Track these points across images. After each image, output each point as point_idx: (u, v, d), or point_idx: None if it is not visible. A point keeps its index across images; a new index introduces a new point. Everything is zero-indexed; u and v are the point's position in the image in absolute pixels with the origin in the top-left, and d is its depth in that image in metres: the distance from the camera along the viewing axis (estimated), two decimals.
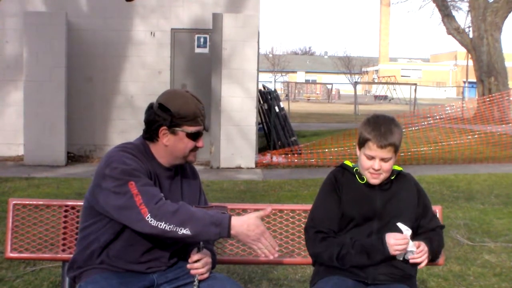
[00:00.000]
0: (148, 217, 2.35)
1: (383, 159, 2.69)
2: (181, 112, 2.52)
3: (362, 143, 2.72)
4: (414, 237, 2.74)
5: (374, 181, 2.73)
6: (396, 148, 2.70)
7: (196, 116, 2.54)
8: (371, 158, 2.70)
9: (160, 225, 2.34)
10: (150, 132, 2.58)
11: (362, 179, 2.77)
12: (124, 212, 2.39)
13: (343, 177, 2.81)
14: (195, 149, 2.60)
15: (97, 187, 2.49)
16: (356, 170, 2.79)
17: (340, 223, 2.75)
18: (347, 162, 2.86)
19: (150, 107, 2.59)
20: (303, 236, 3.16)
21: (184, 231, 2.34)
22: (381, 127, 2.68)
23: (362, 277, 2.68)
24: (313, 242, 2.75)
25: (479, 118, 14.51)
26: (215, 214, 2.40)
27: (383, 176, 2.73)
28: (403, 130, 12.12)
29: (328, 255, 2.69)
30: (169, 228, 2.34)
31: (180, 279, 2.62)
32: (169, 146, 2.56)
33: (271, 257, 2.44)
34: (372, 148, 2.68)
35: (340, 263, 2.67)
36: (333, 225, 2.74)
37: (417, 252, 2.67)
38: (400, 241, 2.62)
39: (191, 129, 2.54)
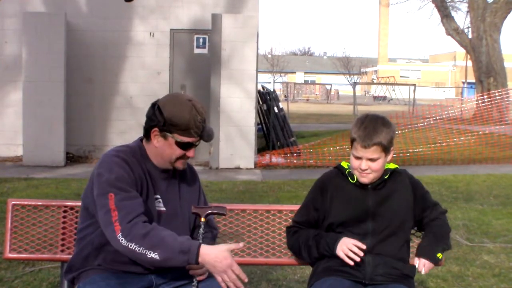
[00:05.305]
0: (119, 236, 2.37)
1: (370, 159, 2.67)
2: (173, 119, 2.50)
3: (351, 143, 2.73)
4: (420, 231, 2.85)
5: (364, 179, 2.72)
6: (384, 148, 2.67)
7: (188, 127, 2.50)
8: (358, 158, 2.69)
9: (131, 245, 2.36)
10: (146, 130, 2.59)
11: (354, 179, 2.76)
12: (104, 226, 2.43)
13: (335, 179, 2.81)
14: (184, 157, 2.58)
15: (90, 189, 2.52)
16: (349, 171, 2.79)
17: (332, 225, 2.75)
18: (343, 163, 2.85)
19: (153, 104, 2.59)
20: None
21: (153, 255, 2.34)
22: (366, 127, 2.66)
23: (359, 278, 2.67)
24: (288, 236, 2.89)
25: (479, 119, 14.49)
26: (185, 241, 2.39)
27: (372, 175, 2.71)
28: (404, 130, 12.25)
29: (297, 247, 2.82)
30: (139, 250, 2.35)
31: (179, 280, 2.61)
32: (158, 148, 2.57)
33: None
34: (357, 148, 2.68)
35: (306, 255, 2.79)
36: (308, 225, 2.84)
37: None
38: (352, 248, 2.62)
39: (182, 138, 2.52)
